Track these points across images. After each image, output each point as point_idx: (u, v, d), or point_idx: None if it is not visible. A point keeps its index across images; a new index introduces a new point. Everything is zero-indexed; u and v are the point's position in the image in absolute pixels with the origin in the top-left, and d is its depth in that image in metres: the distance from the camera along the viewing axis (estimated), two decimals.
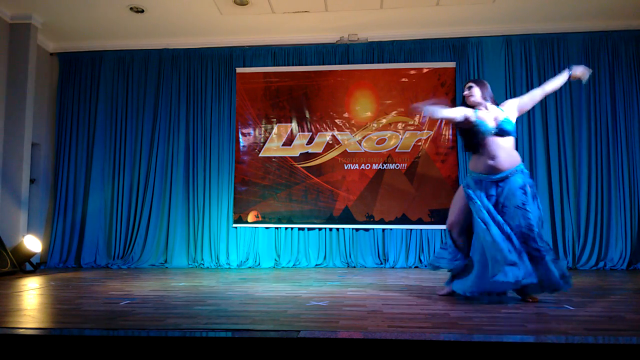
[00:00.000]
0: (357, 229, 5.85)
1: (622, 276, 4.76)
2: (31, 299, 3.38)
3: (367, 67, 6.06)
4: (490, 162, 3.11)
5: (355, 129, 6.01)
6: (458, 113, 3.18)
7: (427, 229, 5.79)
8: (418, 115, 5.90)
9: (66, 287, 3.96)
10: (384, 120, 5.97)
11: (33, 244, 5.31)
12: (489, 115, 3.17)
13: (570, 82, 5.69)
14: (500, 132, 3.11)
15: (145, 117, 6.23)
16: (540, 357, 1.88)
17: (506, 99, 5.70)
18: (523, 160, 5.63)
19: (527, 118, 5.75)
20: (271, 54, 6.22)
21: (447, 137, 5.93)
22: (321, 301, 3.11)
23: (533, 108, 5.71)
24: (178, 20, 5.76)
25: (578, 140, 5.69)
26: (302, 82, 6.13)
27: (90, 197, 6.13)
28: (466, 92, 3.27)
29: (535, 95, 3.29)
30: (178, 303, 3.08)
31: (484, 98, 3.23)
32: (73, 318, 2.61)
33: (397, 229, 5.82)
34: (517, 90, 5.81)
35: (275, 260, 5.92)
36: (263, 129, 6.15)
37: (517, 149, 3.32)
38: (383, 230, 5.81)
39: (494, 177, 3.12)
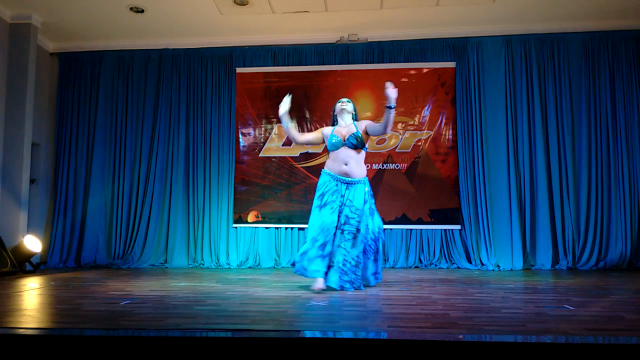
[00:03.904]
0: None
1: (622, 276, 4.76)
2: (31, 299, 3.38)
3: (367, 67, 6.06)
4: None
5: None
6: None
7: (427, 229, 5.79)
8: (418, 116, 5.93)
9: (66, 287, 3.96)
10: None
11: (33, 244, 5.30)
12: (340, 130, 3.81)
13: (571, 82, 5.76)
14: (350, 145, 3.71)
15: (145, 117, 6.23)
16: (540, 357, 1.88)
17: (506, 99, 5.79)
18: (524, 160, 5.69)
19: (526, 118, 5.76)
20: (271, 54, 6.22)
21: (447, 137, 5.93)
22: (321, 301, 3.11)
23: (533, 108, 5.76)
24: (178, 20, 5.76)
25: (578, 141, 5.68)
26: (302, 82, 6.13)
27: (90, 197, 6.13)
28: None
29: (380, 128, 3.70)
30: (178, 303, 3.08)
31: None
32: (73, 318, 2.61)
33: (397, 229, 5.82)
34: (517, 90, 5.81)
35: (275, 260, 5.92)
36: (263, 129, 6.15)
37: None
38: (383, 230, 5.79)
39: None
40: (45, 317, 2.69)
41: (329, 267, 3.59)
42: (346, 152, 3.70)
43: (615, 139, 5.63)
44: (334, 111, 3.92)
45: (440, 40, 6.01)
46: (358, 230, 3.60)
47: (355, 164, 3.70)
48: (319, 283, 3.56)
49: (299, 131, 5.97)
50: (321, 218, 3.58)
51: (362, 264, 3.66)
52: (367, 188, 3.75)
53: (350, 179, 3.67)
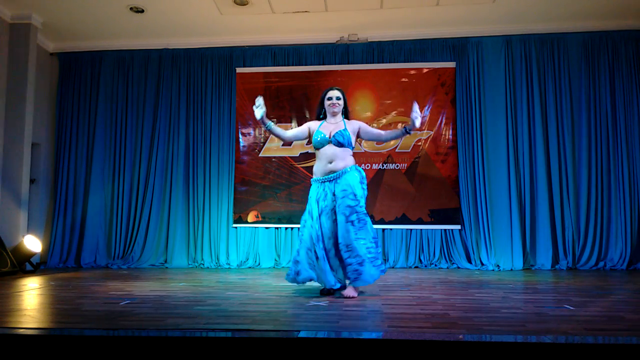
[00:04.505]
0: None
1: (622, 276, 4.76)
2: (31, 299, 3.38)
3: (367, 67, 6.06)
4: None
5: None
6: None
7: (427, 229, 5.79)
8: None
9: (66, 287, 3.96)
10: (384, 120, 5.98)
11: (33, 244, 5.31)
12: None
13: (571, 82, 5.76)
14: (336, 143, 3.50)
15: (145, 117, 6.23)
16: (540, 357, 1.88)
17: (506, 99, 5.79)
18: (524, 160, 5.68)
19: (526, 118, 5.76)
20: (271, 54, 6.22)
21: (447, 137, 5.93)
22: (321, 301, 3.11)
23: (533, 108, 5.76)
24: (178, 20, 5.76)
25: (578, 140, 5.68)
26: (302, 82, 6.13)
27: (90, 197, 6.13)
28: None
29: (380, 136, 3.68)
30: (178, 303, 3.08)
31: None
32: (73, 318, 2.61)
33: (397, 229, 5.82)
34: (517, 90, 5.81)
35: (275, 260, 5.92)
36: (263, 129, 6.13)
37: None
38: (383, 230, 5.81)
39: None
40: (45, 317, 2.69)
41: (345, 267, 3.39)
42: (331, 150, 3.47)
43: (615, 139, 5.63)
44: (322, 103, 3.65)
45: (440, 40, 6.00)
46: (365, 215, 3.41)
47: (340, 160, 3.46)
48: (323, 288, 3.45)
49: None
50: (324, 226, 3.41)
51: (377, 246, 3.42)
52: (360, 176, 3.50)
53: (335, 174, 3.44)
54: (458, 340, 1.99)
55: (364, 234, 3.34)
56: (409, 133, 3.47)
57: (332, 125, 3.56)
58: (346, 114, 3.67)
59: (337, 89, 3.66)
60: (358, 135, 3.61)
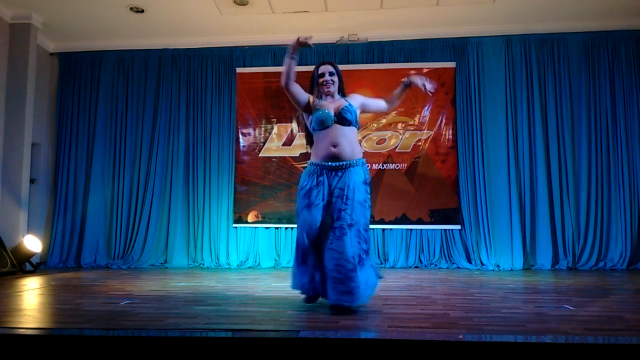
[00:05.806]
0: None
1: (622, 276, 4.76)
2: (31, 299, 3.38)
3: (367, 67, 6.06)
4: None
5: None
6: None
7: (427, 229, 5.79)
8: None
9: (66, 287, 3.96)
10: (383, 120, 5.97)
11: (33, 244, 5.30)
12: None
13: (571, 82, 5.76)
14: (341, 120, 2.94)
15: (145, 117, 6.23)
16: (540, 357, 1.89)
17: (506, 99, 5.79)
18: (524, 160, 5.68)
19: (527, 118, 5.76)
20: (271, 54, 6.22)
21: (447, 137, 5.92)
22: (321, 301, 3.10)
23: (533, 108, 5.76)
24: (178, 20, 5.76)
25: (578, 140, 5.68)
26: (302, 82, 6.09)
27: (90, 197, 6.13)
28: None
29: (380, 106, 3.22)
30: (178, 303, 3.08)
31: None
32: (73, 318, 2.61)
33: (397, 229, 5.82)
34: (517, 90, 5.81)
35: (275, 260, 5.92)
36: (263, 129, 6.14)
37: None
38: (383, 230, 5.81)
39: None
40: (45, 317, 2.70)
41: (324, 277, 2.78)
42: (337, 131, 2.88)
43: (615, 139, 5.63)
44: (314, 82, 3.14)
45: (440, 40, 6.00)
46: (350, 225, 2.72)
47: (348, 144, 2.88)
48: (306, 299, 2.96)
49: (300, 131, 6.01)
50: (306, 219, 2.81)
51: (365, 267, 2.74)
52: (366, 176, 2.92)
53: (339, 163, 2.85)
54: (458, 340, 1.99)
55: (340, 246, 2.68)
56: (408, 84, 3.22)
57: (331, 103, 3.01)
58: (343, 94, 3.13)
59: (329, 63, 3.12)
60: (362, 110, 3.10)
